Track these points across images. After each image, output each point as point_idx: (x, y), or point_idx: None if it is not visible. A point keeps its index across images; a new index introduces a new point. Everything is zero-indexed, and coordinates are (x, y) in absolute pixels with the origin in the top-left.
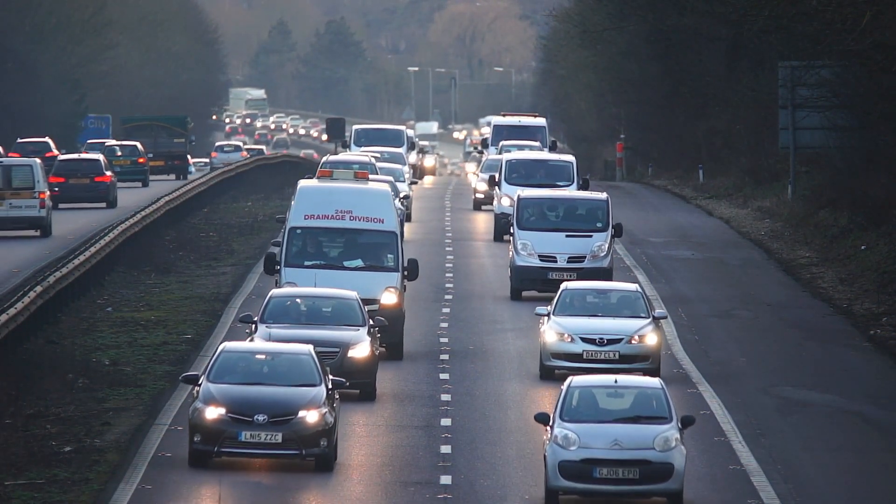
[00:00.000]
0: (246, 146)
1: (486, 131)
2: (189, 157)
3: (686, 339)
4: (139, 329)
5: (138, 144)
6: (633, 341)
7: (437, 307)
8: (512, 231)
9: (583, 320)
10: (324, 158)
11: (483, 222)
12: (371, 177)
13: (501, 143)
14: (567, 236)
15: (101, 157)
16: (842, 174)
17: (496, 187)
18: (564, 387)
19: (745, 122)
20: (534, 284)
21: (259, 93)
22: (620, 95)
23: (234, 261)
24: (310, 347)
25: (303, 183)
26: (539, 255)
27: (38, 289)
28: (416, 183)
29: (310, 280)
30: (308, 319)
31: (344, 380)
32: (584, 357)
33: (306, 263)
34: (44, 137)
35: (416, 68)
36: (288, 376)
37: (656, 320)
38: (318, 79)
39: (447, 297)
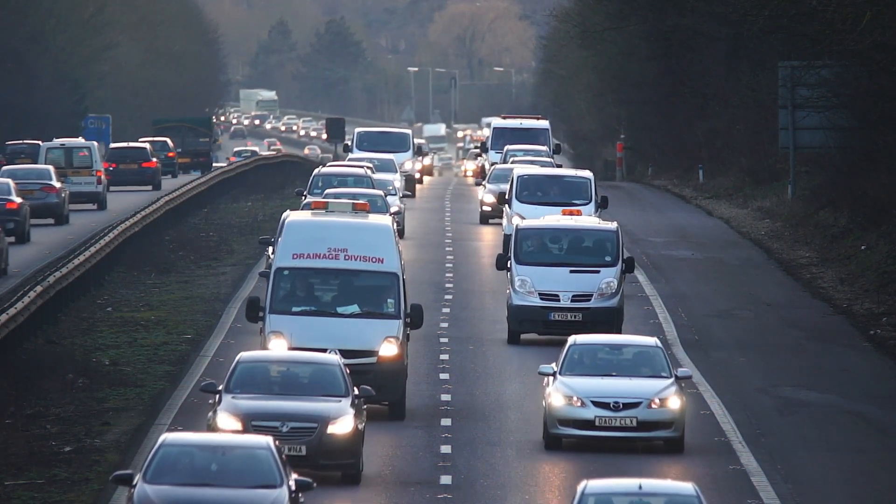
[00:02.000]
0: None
1: (488, 132)
2: (213, 154)
3: (686, 339)
4: (139, 329)
5: (168, 140)
6: (653, 405)
7: (436, 307)
8: (509, 265)
9: (594, 381)
10: (315, 170)
11: (489, 243)
12: (373, 186)
13: (507, 147)
14: (571, 272)
15: (147, 145)
16: (842, 174)
17: (506, 205)
18: (578, 492)
19: (745, 122)
20: (534, 326)
21: (270, 94)
22: (620, 95)
23: (234, 261)
24: (268, 440)
25: (292, 216)
26: (539, 294)
27: (38, 289)
28: (410, 195)
29: (299, 330)
30: (282, 389)
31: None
32: (597, 424)
33: (294, 309)
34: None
35: (416, 68)
36: (241, 477)
37: (680, 380)
38: (318, 79)
39: (447, 297)
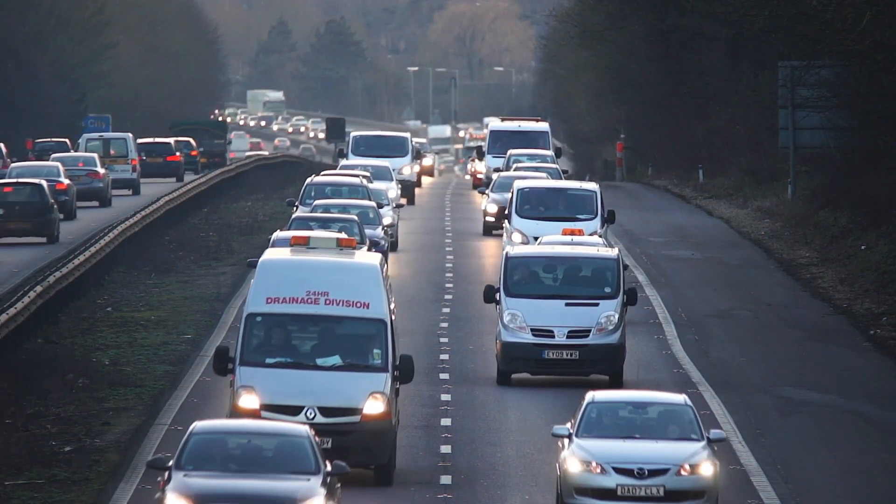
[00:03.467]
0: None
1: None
2: (227, 154)
3: (686, 339)
4: (139, 329)
5: (191, 140)
6: (682, 472)
7: (436, 307)
8: (498, 297)
9: (616, 444)
10: (308, 179)
11: (494, 257)
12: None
13: (510, 153)
14: (567, 304)
15: (172, 140)
16: (842, 174)
17: (505, 221)
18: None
19: (745, 122)
20: (525, 365)
21: (277, 94)
22: (620, 95)
23: (234, 261)
24: (306, 429)
25: (266, 255)
26: (532, 329)
27: (38, 289)
28: (402, 206)
29: (272, 384)
30: (241, 465)
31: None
32: (619, 494)
33: (268, 361)
34: (63, 138)
35: (416, 68)
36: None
37: (712, 443)
38: (318, 79)
39: (447, 297)
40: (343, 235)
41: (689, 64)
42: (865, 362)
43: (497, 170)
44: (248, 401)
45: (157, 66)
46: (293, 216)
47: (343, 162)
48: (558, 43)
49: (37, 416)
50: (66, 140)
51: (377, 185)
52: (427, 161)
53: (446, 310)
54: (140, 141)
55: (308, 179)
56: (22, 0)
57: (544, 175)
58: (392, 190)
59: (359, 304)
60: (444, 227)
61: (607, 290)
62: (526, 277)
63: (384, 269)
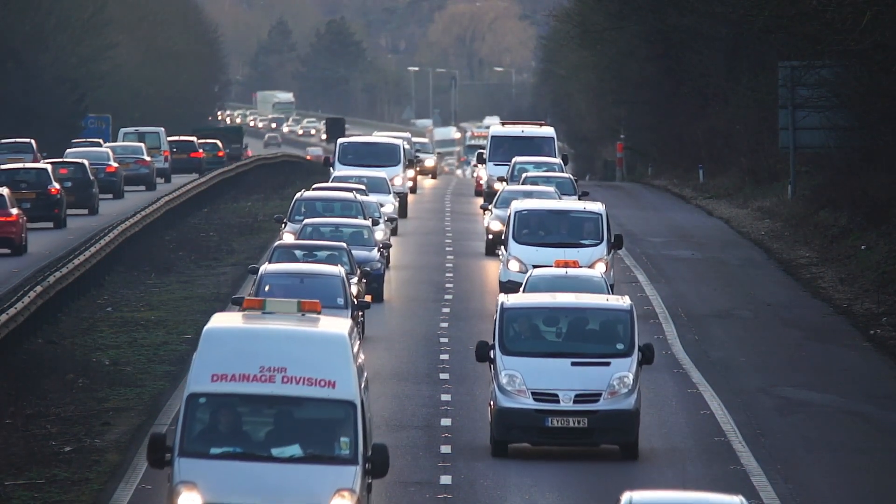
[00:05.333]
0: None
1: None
2: (243, 156)
3: (686, 339)
4: (139, 329)
5: (218, 142)
6: None
7: (436, 307)
8: (493, 356)
9: None
10: (297, 195)
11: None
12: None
13: (515, 160)
14: (574, 364)
15: (195, 138)
16: (842, 174)
17: (501, 247)
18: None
19: (745, 122)
20: (526, 434)
21: (287, 96)
22: (620, 95)
23: (234, 261)
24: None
25: (213, 322)
26: (533, 393)
27: (38, 289)
28: (395, 221)
29: (218, 480)
30: None
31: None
32: None
33: (213, 451)
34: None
35: (416, 68)
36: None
37: None
38: (318, 79)
39: (447, 297)
40: (301, 300)
41: (689, 64)
42: (865, 362)
43: (501, 179)
44: (189, 500)
45: (157, 66)
46: (275, 245)
47: (335, 173)
48: (558, 43)
49: (37, 416)
50: (101, 140)
51: (374, 197)
52: (429, 162)
53: (446, 310)
54: (167, 139)
55: (297, 194)
56: (22, 0)
57: (552, 189)
58: (389, 204)
59: (323, 383)
60: (444, 246)
61: (620, 346)
62: (525, 332)
63: (354, 338)
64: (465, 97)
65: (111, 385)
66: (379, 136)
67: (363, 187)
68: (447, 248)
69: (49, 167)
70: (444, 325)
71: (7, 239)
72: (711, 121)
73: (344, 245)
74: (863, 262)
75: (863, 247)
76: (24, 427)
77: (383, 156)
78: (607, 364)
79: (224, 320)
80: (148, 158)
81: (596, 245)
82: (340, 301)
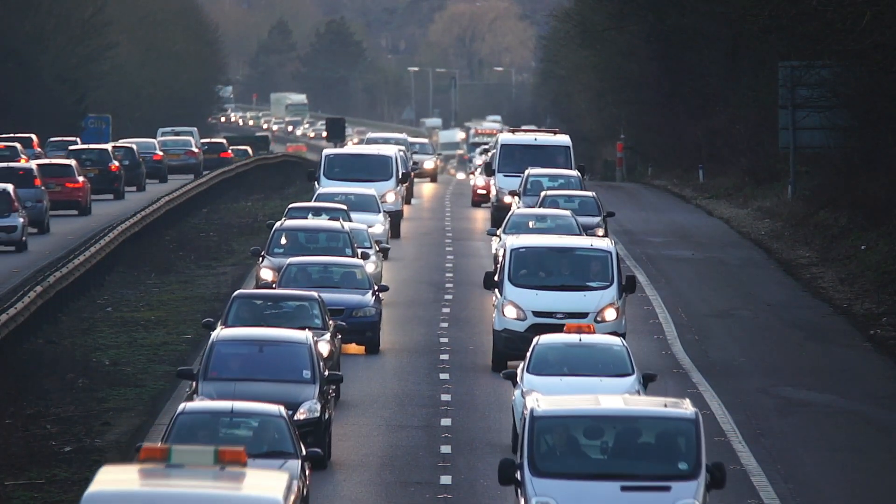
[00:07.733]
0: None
1: (490, 130)
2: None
3: (686, 339)
4: (139, 329)
5: (248, 148)
6: None
7: (436, 307)
8: (519, 477)
9: None
10: (276, 224)
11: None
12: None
13: (528, 172)
14: (624, 489)
15: (224, 140)
16: (842, 174)
17: (495, 289)
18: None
19: (745, 122)
20: None
21: (300, 97)
22: (620, 95)
23: (234, 261)
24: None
25: (95, 485)
26: None
27: (38, 289)
28: (388, 249)
29: None
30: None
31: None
32: None
33: None
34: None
35: (416, 68)
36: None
37: None
38: (318, 79)
39: (447, 297)
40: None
41: (689, 64)
42: (865, 362)
43: (514, 193)
44: None
45: (157, 66)
46: (234, 295)
47: (319, 189)
48: (558, 43)
49: (37, 416)
50: (132, 145)
51: (359, 218)
52: (428, 164)
53: (446, 310)
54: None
55: (276, 224)
56: (22, 0)
57: (568, 213)
58: (378, 225)
59: None
60: (445, 273)
61: (683, 466)
62: (561, 447)
63: (296, 502)
64: (465, 97)
65: (111, 385)
66: (369, 148)
67: (345, 207)
68: (447, 275)
69: (109, 147)
70: (444, 325)
71: (75, 201)
72: (711, 121)
73: (315, 295)
74: (863, 263)
75: (863, 247)
76: (24, 427)
77: (374, 169)
78: (667, 489)
79: (111, 481)
80: (196, 150)
81: (605, 288)
82: (307, 374)
